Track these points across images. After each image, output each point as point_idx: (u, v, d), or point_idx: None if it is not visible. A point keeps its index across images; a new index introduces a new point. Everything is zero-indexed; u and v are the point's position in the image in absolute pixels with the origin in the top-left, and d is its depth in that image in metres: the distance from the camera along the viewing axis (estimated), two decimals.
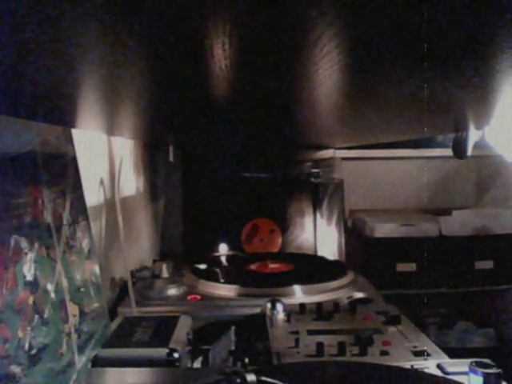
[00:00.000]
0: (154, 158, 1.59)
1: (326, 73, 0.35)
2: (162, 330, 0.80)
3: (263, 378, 0.58)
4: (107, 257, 1.02)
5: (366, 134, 1.12)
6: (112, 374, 0.68)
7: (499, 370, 0.60)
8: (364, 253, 1.71)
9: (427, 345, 0.77)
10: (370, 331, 0.82)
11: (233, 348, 0.92)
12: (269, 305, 0.93)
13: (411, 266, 1.64)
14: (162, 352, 0.72)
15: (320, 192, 1.73)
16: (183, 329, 0.82)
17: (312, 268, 1.34)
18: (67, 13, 0.21)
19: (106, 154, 1.06)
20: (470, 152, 1.15)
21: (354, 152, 1.92)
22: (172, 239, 1.69)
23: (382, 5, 0.21)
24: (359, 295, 1.06)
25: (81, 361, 0.67)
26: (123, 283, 1.08)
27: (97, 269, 0.83)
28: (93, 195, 0.93)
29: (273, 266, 1.30)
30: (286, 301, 0.96)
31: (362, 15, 0.23)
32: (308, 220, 1.74)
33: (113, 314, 0.94)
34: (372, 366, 0.68)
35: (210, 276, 1.17)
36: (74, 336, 0.67)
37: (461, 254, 1.66)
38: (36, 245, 0.60)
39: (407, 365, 0.68)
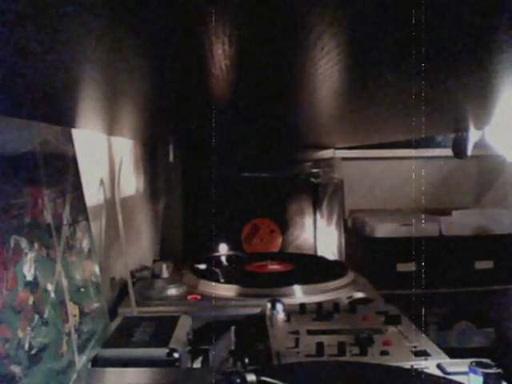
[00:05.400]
0: (154, 158, 1.59)
1: (326, 73, 0.35)
2: (162, 330, 0.80)
3: (263, 378, 0.58)
4: (107, 257, 1.02)
5: (365, 134, 1.12)
6: (112, 374, 0.68)
7: (499, 370, 0.60)
8: (364, 253, 1.71)
9: (427, 345, 0.77)
10: (370, 331, 0.82)
11: (233, 348, 0.92)
12: (269, 305, 0.93)
13: (411, 266, 1.64)
14: (161, 352, 0.72)
15: (320, 192, 1.73)
16: (183, 329, 0.82)
17: (312, 268, 1.34)
18: (67, 13, 0.21)
19: (106, 154, 1.06)
20: (469, 152, 1.15)
21: (354, 152, 1.92)
22: (172, 239, 1.69)
23: (382, 5, 0.21)
24: (359, 295, 1.06)
25: (81, 361, 0.67)
26: (123, 283, 1.08)
27: (97, 269, 0.83)
28: (93, 195, 0.93)
29: (273, 266, 1.30)
30: (286, 301, 0.96)
31: (361, 15, 0.23)
32: (308, 220, 1.74)
33: (113, 314, 0.94)
34: (372, 366, 0.68)
35: (210, 276, 1.17)
36: (74, 336, 0.67)
37: (461, 254, 1.66)
38: (36, 245, 0.60)
39: (407, 365, 0.68)
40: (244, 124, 0.83)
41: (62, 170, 0.74)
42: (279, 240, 1.70)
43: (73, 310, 0.68)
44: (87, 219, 0.81)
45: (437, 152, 1.97)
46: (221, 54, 0.29)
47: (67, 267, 0.69)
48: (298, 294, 1.07)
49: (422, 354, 0.74)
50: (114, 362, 0.71)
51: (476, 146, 1.21)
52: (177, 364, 0.72)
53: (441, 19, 0.23)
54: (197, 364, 0.86)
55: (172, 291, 1.08)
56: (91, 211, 0.85)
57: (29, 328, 0.55)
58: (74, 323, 0.68)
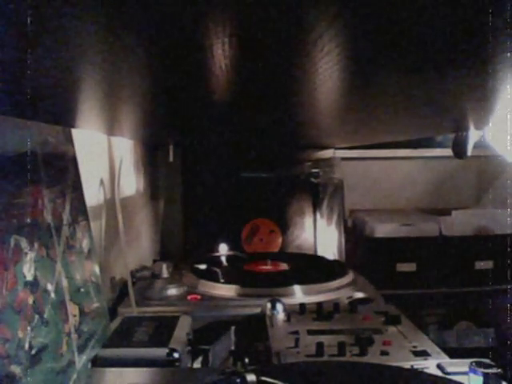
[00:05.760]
0: (154, 158, 1.59)
1: (326, 73, 0.35)
2: (162, 329, 0.80)
3: (263, 378, 0.58)
4: (107, 257, 1.02)
5: (366, 134, 1.12)
6: (112, 374, 0.68)
7: (499, 370, 0.60)
8: (364, 253, 1.71)
9: (427, 345, 0.77)
10: (370, 331, 0.82)
11: (233, 348, 0.92)
12: (269, 305, 0.93)
13: (411, 266, 1.64)
14: (161, 352, 0.72)
15: (320, 192, 1.73)
16: (183, 329, 0.82)
17: (312, 268, 1.34)
18: (67, 13, 0.21)
19: (106, 154, 1.06)
20: (469, 152, 1.15)
21: (354, 152, 1.92)
22: (172, 239, 1.69)
23: (382, 5, 0.21)
24: (359, 295, 1.06)
25: (81, 361, 0.67)
26: (123, 283, 1.08)
27: (97, 269, 0.83)
28: (93, 195, 0.93)
29: (273, 266, 1.30)
30: (286, 301, 0.96)
31: (361, 15, 0.23)
32: (308, 220, 1.74)
33: (113, 314, 0.94)
34: (372, 366, 0.68)
35: (210, 276, 1.17)
36: (74, 336, 0.67)
37: (461, 253, 1.66)
38: (36, 245, 0.60)
39: (407, 365, 0.68)
40: (244, 124, 0.83)
41: (62, 169, 0.74)
42: (279, 240, 1.70)
43: (73, 310, 0.68)
44: (87, 219, 0.81)
45: (437, 152, 1.97)
46: (221, 54, 0.29)
47: (67, 267, 0.69)
48: (298, 294, 1.07)
49: (422, 354, 0.74)
50: (114, 361, 0.71)
51: (476, 145, 1.21)
52: (177, 364, 0.72)
53: (441, 19, 0.23)
54: (197, 364, 0.86)
55: (172, 291, 1.08)
56: (91, 211, 0.85)
57: (29, 328, 0.55)
58: (74, 323, 0.68)
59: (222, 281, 1.14)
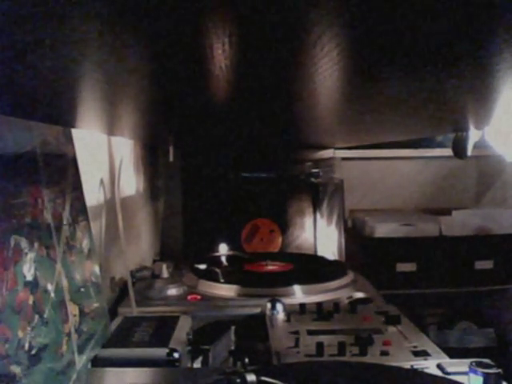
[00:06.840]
0: (154, 158, 1.59)
1: (326, 73, 0.35)
2: (162, 330, 0.80)
3: (263, 378, 0.58)
4: (107, 257, 1.02)
5: (366, 134, 1.12)
6: (112, 374, 0.68)
7: (499, 370, 0.60)
8: (364, 253, 1.71)
9: (427, 345, 0.77)
10: (370, 331, 0.82)
11: (233, 348, 0.92)
12: (269, 305, 0.93)
13: (411, 266, 1.64)
14: (161, 352, 0.72)
15: (320, 192, 1.73)
16: (183, 329, 0.82)
17: (312, 268, 1.34)
18: (67, 13, 0.21)
19: (106, 154, 1.06)
20: (470, 152, 1.15)
21: (354, 152, 1.92)
22: (172, 239, 1.69)
23: (382, 5, 0.21)
24: (359, 295, 1.06)
25: (81, 361, 0.67)
26: (123, 283, 1.08)
27: (97, 269, 0.83)
28: (93, 195, 0.93)
29: (273, 265, 1.30)
30: (286, 301, 0.96)
31: (361, 16, 0.23)
32: (308, 220, 1.74)
33: (113, 314, 0.94)
34: (372, 366, 0.68)
35: (210, 276, 1.17)
36: (74, 336, 0.67)
37: (461, 254, 1.66)
38: (36, 245, 0.60)
39: (407, 365, 0.68)
40: (244, 124, 0.83)
41: (62, 169, 0.74)
42: (279, 240, 1.70)
43: (73, 310, 0.68)
44: (87, 219, 0.81)
45: (437, 152, 1.97)
46: (221, 54, 0.29)
47: (67, 267, 0.69)
48: (298, 294, 1.07)
49: (422, 354, 0.74)
50: (114, 362, 0.71)
51: (476, 146, 1.21)
52: (177, 364, 0.72)
53: (440, 19, 0.23)
54: (197, 364, 0.86)
55: (172, 291, 1.08)
56: (91, 211, 0.85)
57: (29, 328, 0.55)
58: (74, 323, 0.68)
59: (222, 281, 1.14)
